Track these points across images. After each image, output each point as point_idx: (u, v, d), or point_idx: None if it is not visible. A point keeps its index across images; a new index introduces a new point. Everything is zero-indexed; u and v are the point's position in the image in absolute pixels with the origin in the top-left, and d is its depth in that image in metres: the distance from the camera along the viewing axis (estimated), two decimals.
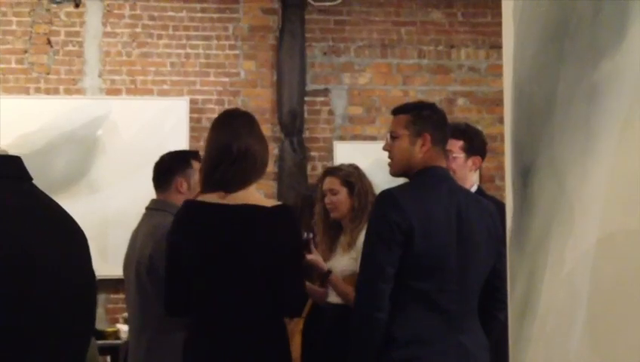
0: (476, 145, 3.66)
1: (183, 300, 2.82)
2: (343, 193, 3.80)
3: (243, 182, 2.81)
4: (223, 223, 2.77)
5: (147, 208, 3.45)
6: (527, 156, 1.55)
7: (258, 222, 2.78)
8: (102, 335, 5.32)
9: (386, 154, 3.01)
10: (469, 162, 3.63)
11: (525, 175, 1.56)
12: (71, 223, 1.72)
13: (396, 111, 3.02)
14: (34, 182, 1.71)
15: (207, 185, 2.82)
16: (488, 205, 3.03)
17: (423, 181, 2.91)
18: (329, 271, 3.66)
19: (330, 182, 3.84)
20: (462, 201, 2.89)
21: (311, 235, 3.75)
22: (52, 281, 1.59)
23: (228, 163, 2.80)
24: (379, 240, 2.79)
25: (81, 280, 1.66)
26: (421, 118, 2.94)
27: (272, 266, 2.77)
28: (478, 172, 3.95)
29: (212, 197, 2.80)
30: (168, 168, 3.42)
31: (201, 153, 3.07)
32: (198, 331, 2.81)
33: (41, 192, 1.70)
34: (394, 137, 2.95)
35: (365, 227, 3.59)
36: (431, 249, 2.79)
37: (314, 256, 3.64)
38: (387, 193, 2.86)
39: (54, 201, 1.73)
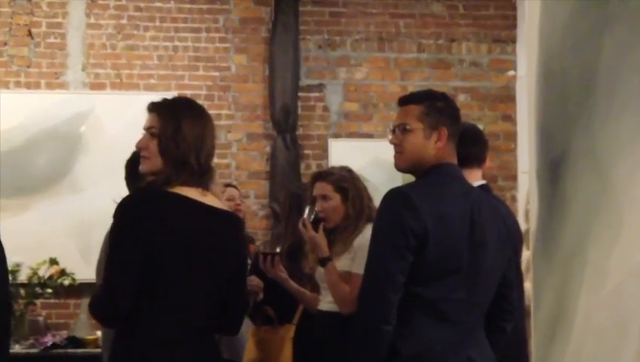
0: None
1: (129, 303, 2.54)
2: (336, 199, 3.65)
3: (212, 182, 2.74)
4: (209, 226, 2.64)
5: None
6: (558, 144, 1.32)
7: (233, 230, 2.75)
8: (81, 343, 5.20)
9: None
10: None
11: (555, 167, 1.33)
12: None
13: (405, 101, 2.80)
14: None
15: (190, 178, 2.63)
16: (499, 206, 2.89)
17: (436, 179, 2.72)
18: (329, 258, 3.53)
19: (321, 188, 3.70)
20: (475, 202, 2.72)
21: (321, 215, 3.60)
22: None
23: (210, 158, 2.70)
24: (389, 245, 2.59)
25: None
26: (436, 110, 2.74)
27: (231, 277, 2.70)
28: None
29: (193, 193, 2.63)
30: None
31: None
32: (142, 341, 2.55)
33: None
34: (405, 130, 2.72)
35: (360, 233, 3.45)
36: (442, 254, 2.61)
37: (318, 236, 3.54)
38: (399, 191, 2.67)
39: None
